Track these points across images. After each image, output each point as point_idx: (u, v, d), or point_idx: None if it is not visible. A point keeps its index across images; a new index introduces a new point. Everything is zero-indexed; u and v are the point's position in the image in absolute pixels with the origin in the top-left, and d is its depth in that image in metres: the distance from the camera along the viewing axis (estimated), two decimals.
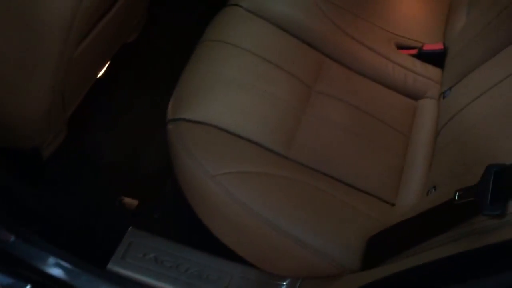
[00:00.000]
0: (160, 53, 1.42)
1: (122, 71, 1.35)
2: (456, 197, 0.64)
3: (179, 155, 0.92)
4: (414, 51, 1.20)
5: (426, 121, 1.11)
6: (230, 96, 0.98)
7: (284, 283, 0.97)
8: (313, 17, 1.15)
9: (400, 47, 1.21)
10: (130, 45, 1.35)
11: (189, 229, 1.10)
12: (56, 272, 0.95)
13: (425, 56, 1.19)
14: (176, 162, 0.93)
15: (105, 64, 1.25)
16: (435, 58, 1.18)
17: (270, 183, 0.87)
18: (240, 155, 0.91)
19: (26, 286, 0.93)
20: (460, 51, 1.10)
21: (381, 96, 1.14)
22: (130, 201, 1.19)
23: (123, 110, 1.30)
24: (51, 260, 0.95)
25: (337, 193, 0.92)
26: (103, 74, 1.26)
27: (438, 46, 1.19)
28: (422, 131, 1.09)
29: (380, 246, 0.77)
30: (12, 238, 0.94)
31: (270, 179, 0.88)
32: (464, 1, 1.23)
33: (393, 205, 0.98)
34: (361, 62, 1.16)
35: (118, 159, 1.24)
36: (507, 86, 0.87)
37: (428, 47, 1.19)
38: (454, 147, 0.95)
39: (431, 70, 1.18)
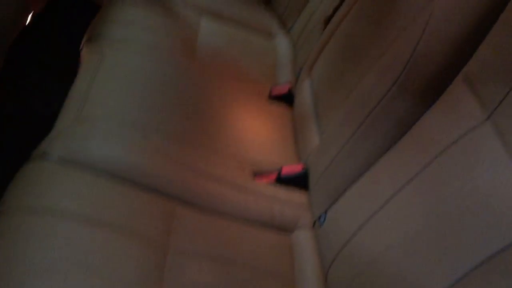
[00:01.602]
0: None
1: None
2: None
3: None
4: (273, 177, 1.04)
5: (307, 259, 0.92)
6: None
7: None
8: (149, 157, 0.93)
9: (257, 174, 1.04)
10: None
11: None
12: None
13: (286, 181, 1.03)
14: None
15: None
16: (298, 181, 1.03)
17: None
18: None
19: None
20: (325, 171, 0.97)
21: (249, 237, 0.93)
22: None
23: None
24: None
25: None
26: None
27: (298, 168, 1.05)
28: (307, 273, 0.89)
29: None
30: None
31: None
32: (311, 120, 1.13)
33: None
34: (217, 201, 0.95)
35: None
36: (401, 204, 0.74)
37: (287, 169, 1.04)
38: None
39: (297, 196, 1.02)
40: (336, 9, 1.27)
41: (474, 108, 0.72)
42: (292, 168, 1.05)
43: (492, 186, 0.64)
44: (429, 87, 0.80)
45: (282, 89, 1.30)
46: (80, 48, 1.21)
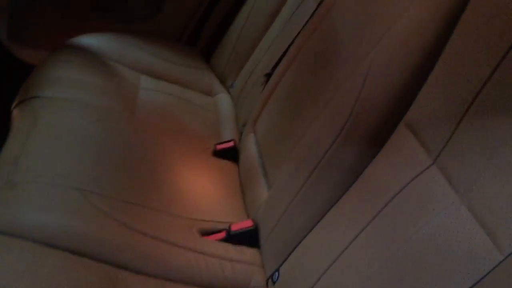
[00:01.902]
0: None
1: None
2: None
3: None
4: (222, 235, 0.99)
5: None
6: None
7: None
8: (88, 221, 0.86)
9: (205, 233, 0.99)
10: None
11: None
12: None
13: (236, 238, 0.99)
14: None
15: None
16: (248, 238, 0.99)
17: None
18: None
19: None
20: (276, 225, 0.94)
21: None
22: None
23: None
24: None
25: None
26: None
27: (247, 224, 1.01)
28: None
29: None
30: None
31: None
32: (258, 174, 1.11)
33: None
34: (164, 264, 0.89)
35: None
36: (357, 254, 0.72)
37: (236, 226, 1.00)
38: None
39: (248, 253, 0.98)
40: (275, 66, 1.29)
41: (419, 153, 0.73)
42: (241, 224, 1.02)
43: (445, 230, 0.64)
44: (374, 135, 0.80)
45: (227, 145, 1.28)
46: (12, 109, 1.14)
